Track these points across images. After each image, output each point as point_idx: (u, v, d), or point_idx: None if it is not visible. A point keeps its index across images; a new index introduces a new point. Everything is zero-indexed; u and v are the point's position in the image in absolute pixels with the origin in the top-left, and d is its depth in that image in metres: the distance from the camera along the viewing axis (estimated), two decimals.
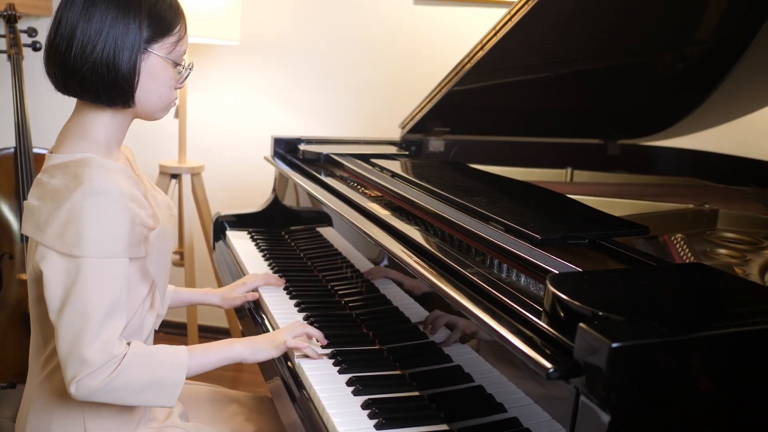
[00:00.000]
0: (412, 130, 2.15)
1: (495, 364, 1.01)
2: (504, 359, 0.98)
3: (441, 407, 1.11)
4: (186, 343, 1.52)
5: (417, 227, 1.34)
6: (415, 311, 1.28)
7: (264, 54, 2.91)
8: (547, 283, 0.88)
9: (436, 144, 2.20)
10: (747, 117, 2.27)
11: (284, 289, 1.62)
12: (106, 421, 1.19)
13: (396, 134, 2.23)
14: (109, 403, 1.12)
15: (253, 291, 1.60)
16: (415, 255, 1.21)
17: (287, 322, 1.45)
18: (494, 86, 2.04)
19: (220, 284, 1.92)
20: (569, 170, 2.22)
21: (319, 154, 1.97)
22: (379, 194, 1.61)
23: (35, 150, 2.43)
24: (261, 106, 2.97)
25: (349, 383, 1.20)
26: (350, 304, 1.53)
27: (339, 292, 1.61)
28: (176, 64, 1.18)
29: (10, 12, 2.46)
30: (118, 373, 1.06)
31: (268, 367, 1.36)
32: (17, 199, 2.38)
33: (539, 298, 0.96)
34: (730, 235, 1.56)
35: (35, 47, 2.50)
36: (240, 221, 2.12)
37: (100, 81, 1.10)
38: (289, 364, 1.30)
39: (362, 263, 1.52)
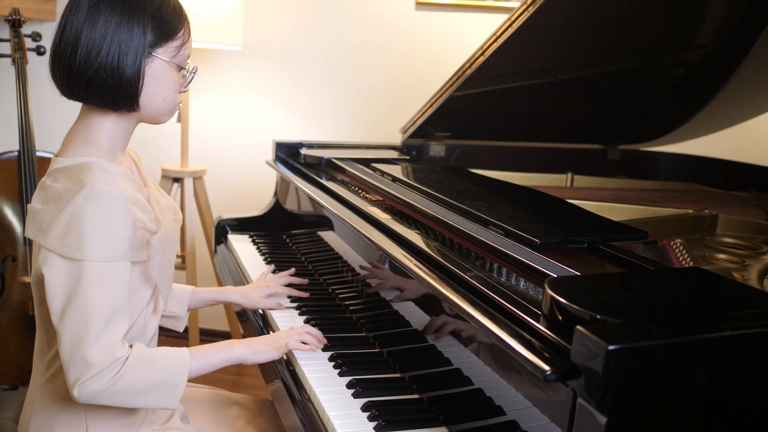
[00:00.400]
0: (413, 135, 2.16)
1: (494, 368, 1.02)
2: (503, 363, 0.99)
3: (440, 410, 1.12)
4: (187, 347, 1.53)
5: (417, 231, 1.35)
6: (415, 315, 1.28)
7: (266, 59, 2.93)
8: (546, 286, 0.89)
9: (436, 149, 2.21)
10: (746, 122, 2.28)
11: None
12: (109, 422, 1.19)
13: (397, 139, 2.24)
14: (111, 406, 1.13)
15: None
16: (416, 258, 1.21)
17: (288, 325, 1.46)
18: (495, 91, 2.05)
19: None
20: (570, 175, 2.23)
21: (320, 158, 1.98)
22: (380, 198, 1.62)
23: (38, 153, 2.44)
24: (263, 110, 2.98)
25: (349, 386, 1.21)
26: (351, 308, 1.54)
27: (340, 296, 1.61)
28: (180, 68, 1.19)
29: (14, 17, 2.48)
30: (121, 376, 1.07)
31: (269, 370, 1.36)
32: (20, 203, 2.40)
33: (538, 301, 0.97)
34: (729, 240, 1.56)
35: (39, 51, 2.52)
36: (242, 225, 2.13)
37: (104, 85, 1.11)
38: (290, 366, 1.31)
39: (363, 267, 1.53)
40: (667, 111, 2.21)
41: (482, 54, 1.78)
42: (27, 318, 2.37)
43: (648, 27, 1.89)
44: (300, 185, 1.82)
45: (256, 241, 2.04)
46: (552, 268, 1.04)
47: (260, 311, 1.58)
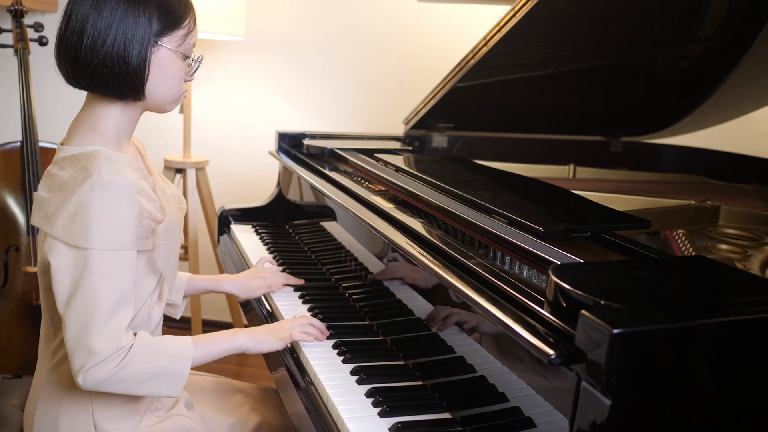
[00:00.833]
0: (415, 126, 2.16)
1: (497, 356, 1.02)
2: (506, 350, 1.00)
3: (444, 396, 1.13)
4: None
5: (421, 220, 1.35)
6: (418, 303, 1.29)
7: (268, 50, 2.93)
8: (550, 272, 0.90)
9: (439, 140, 2.21)
10: (748, 115, 2.28)
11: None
12: (114, 409, 1.20)
13: (399, 130, 2.24)
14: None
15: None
16: (420, 246, 1.22)
17: (292, 314, 1.46)
18: (498, 83, 2.05)
19: None
20: (572, 167, 2.24)
21: (323, 148, 1.98)
22: (383, 188, 1.63)
23: (41, 144, 2.45)
24: (265, 101, 2.99)
25: (353, 372, 1.22)
26: (354, 296, 1.55)
27: (343, 285, 1.62)
28: (186, 57, 1.20)
29: (16, 7, 2.48)
30: (125, 364, 1.08)
31: (273, 359, 1.37)
32: (23, 193, 2.40)
33: (541, 289, 0.98)
34: (731, 231, 1.57)
35: (41, 42, 2.52)
36: (244, 215, 2.13)
37: (110, 74, 1.11)
38: (294, 354, 1.32)
39: (366, 256, 1.54)
40: (669, 103, 2.21)
41: (485, 45, 1.77)
42: (30, 308, 2.38)
43: (652, 19, 1.89)
44: (303, 175, 1.83)
45: (259, 231, 2.04)
46: (555, 255, 1.04)
47: (264, 300, 1.58)
